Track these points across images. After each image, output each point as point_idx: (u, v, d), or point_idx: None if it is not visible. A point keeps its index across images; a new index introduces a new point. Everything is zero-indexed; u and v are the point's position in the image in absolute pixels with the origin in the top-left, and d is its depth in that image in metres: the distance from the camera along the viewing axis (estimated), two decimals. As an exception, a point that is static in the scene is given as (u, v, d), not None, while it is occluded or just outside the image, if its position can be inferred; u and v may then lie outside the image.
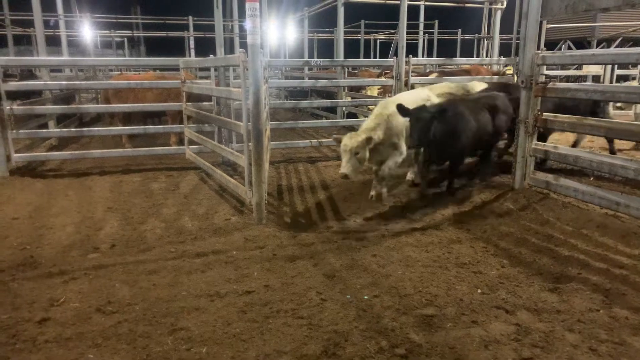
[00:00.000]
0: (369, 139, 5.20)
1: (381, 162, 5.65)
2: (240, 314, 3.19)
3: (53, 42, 16.50)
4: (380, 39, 24.87)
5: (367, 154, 5.28)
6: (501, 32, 12.71)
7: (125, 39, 22.91)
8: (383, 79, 10.74)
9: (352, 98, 11.19)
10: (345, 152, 5.20)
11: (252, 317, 3.15)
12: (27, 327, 3.03)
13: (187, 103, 7.61)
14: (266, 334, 2.95)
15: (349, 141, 5.20)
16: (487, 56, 16.27)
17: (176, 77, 8.26)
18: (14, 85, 7.42)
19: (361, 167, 5.43)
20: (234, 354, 2.76)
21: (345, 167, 5.18)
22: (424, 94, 6.33)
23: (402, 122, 5.46)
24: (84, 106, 11.70)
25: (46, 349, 2.82)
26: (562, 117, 5.38)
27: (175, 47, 21.30)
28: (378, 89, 10.98)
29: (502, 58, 11.24)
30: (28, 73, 12.46)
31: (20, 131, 7.17)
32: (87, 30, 18.71)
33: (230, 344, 2.85)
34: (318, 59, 13.47)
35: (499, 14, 12.16)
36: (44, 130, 8.94)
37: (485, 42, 16.91)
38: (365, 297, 3.41)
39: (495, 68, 11.51)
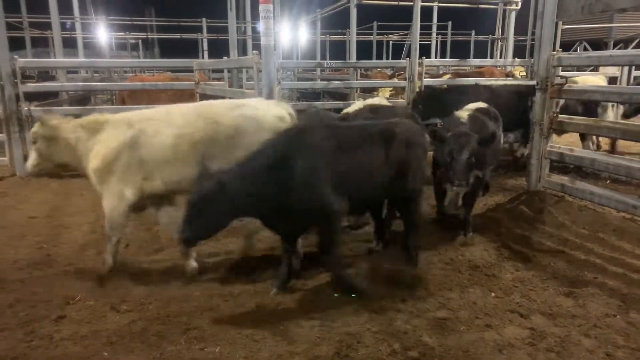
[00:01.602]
0: (42, 123, 3.83)
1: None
2: (253, 314, 3.20)
3: (69, 44, 16.77)
4: (392, 41, 24.79)
5: (54, 152, 3.85)
6: (515, 33, 12.59)
7: (140, 41, 23.17)
8: (396, 80, 10.71)
9: (364, 99, 11.17)
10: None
11: (264, 317, 3.16)
12: (44, 324, 3.09)
13: (201, 104, 7.66)
14: (279, 334, 2.96)
15: None
16: (501, 57, 16.13)
17: (190, 79, 8.34)
18: (32, 86, 7.57)
19: (46, 165, 4.00)
20: (247, 354, 2.77)
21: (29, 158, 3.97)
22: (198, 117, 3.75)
23: (116, 145, 3.57)
24: (99, 107, 11.85)
25: (62, 346, 2.86)
26: (578, 119, 5.31)
27: (189, 49, 21.46)
28: (390, 90, 10.95)
29: (516, 59, 11.13)
30: (45, 74, 12.67)
31: (38, 132, 7.28)
32: (103, 33, 18.98)
33: (243, 344, 2.86)
34: (330, 61, 13.48)
35: (513, 15, 12.07)
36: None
37: (499, 43, 16.77)
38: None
39: (509, 70, 11.41)
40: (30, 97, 7.83)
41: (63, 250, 4.32)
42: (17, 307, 3.29)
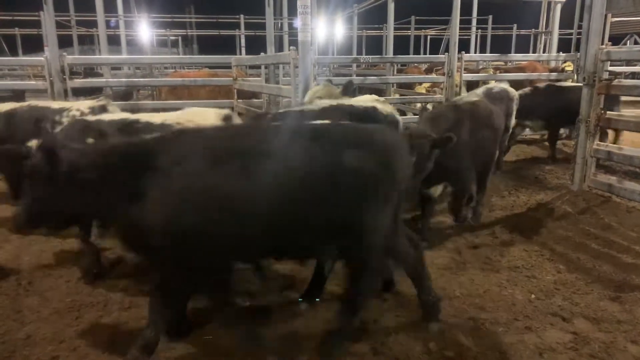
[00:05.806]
0: None
1: None
2: (289, 312, 3.23)
3: (113, 42, 17.32)
4: (430, 35, 24.32)
5: None
6: (560, 27, 12.10)
7: (180, 38, 23.68)
8: (434, 75, 10.50)
9: (401, 95, 11.03)
10: None
11: (300, 314, 3.18)
12: (89, 310, 3.22)
13: (238, 100, 7.78)
14: (314, 331, 2.98)
15: None
16: (544, 52, 15.55)
17: (228, 75, 8.46)
18: (78, 82, 7.88)
19: None
20: (283, 349, 2.80)
21: None
22: None
23: None
24: (141, 102, 12.20)
25: (106, 329, 2.99)
26: (628, 115, 5.07)
27: (227, 46, 21.76)
28: (427, 86, 10.75)
29: (561, 54, 10.69)
30: (91, 71, 13.16)
31: (84, 126, 7.59)
32: (145, 30, 19.50)
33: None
34: (367, 56, 13.37)
35: (558, 7, 11.59)
36: (104, 125, 9.38)
37: (543, 37, 16.14)
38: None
39: (553, 64, 10.98)
40: (77, 92, 8.14)
41: (106, 242, 4.48)
42: (65, 293, 3.45)
